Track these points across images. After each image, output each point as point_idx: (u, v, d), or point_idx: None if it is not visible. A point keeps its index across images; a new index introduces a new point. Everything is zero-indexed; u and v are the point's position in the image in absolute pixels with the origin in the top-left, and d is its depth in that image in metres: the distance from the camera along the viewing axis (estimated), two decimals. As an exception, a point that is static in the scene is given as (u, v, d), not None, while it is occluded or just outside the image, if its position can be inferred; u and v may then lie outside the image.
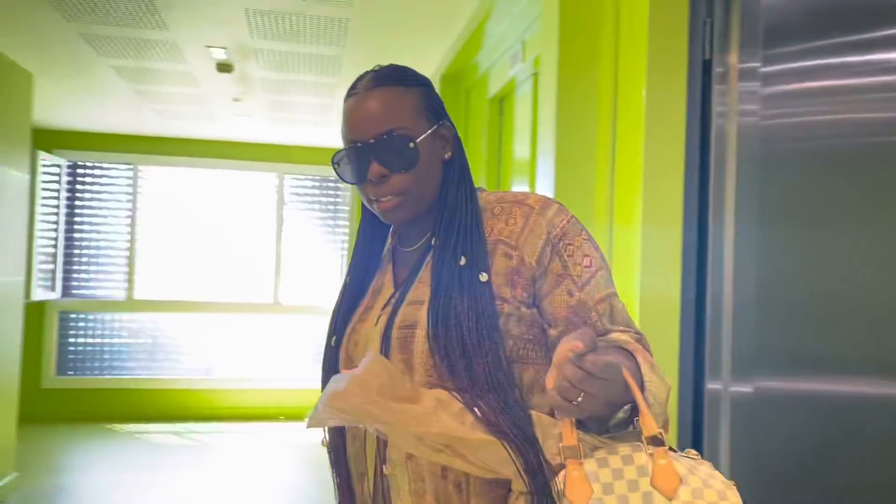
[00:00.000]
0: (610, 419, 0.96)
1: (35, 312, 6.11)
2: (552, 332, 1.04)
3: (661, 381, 0.97)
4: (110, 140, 6.38)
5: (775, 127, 1.51)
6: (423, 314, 1.03)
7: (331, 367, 1.15)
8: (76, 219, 6.47)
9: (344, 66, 4.02)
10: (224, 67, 4.03)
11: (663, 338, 1.62)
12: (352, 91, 1.10)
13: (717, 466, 1.58)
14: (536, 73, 2.50)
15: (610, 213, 1.76)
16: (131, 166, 6.53)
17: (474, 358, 0.98)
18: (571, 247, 1.05)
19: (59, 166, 6.24)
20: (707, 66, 1.65)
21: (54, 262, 6.21)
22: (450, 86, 3.77)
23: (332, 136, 6.23)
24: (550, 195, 1.89)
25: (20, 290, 4.43)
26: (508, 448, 0.91)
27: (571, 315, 1.03)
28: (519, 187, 2.91)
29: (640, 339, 1.04)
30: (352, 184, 1.11)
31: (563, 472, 0.90)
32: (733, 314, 1.56)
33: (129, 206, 6.55)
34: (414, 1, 3.01)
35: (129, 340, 6.62)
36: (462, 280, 1.01)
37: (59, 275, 6.29)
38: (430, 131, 1.08)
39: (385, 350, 1.04)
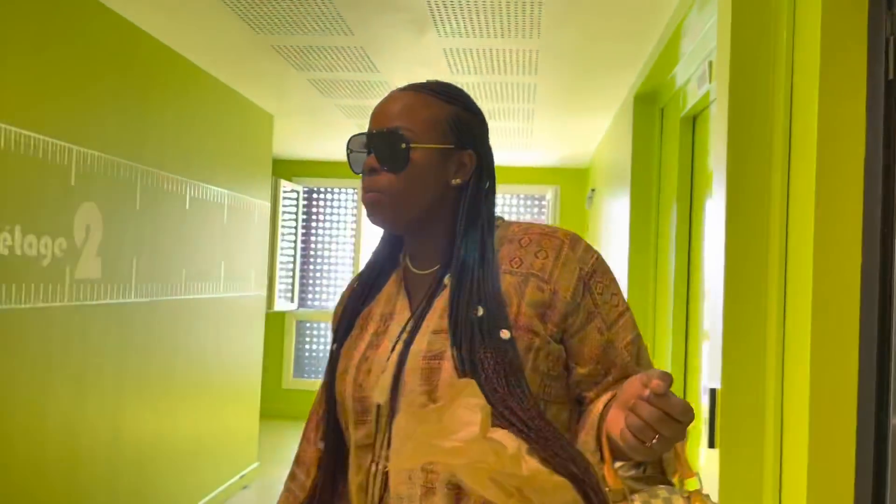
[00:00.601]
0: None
1: (277, 321, 6.97)
2: (579, 370, 1.02)
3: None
4: (337, 168, 7.11)
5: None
6: (448, 345, 0.99)
7: (332, 371, 1.12)
8: (311, 238, 7.30)
9: (539, 93, 4.18)
10: (430, 100, 4.36)
11: (839, 365, 1.53)
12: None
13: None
14: (721, 94, 2.47)
15: (783, 238, 1.72)
16: (355, 191, 7.23)
17: (513, 409, 0.94)
18: (601, 284, 1.03)
19: (297, 192, 7.07)
20: (890, 86, 1.58)
21: (292, 276, 7.04)
22: (643, 105, 3.76)
23: (531, 157, 6.41)
24: (722, 220, 1.88)
25: (262, 302, 5.10)
26: (579, 491, 0.87)
27: (601, 354, 1.02)
28: (708, 203, 2.87)
29: None
30: (357, 173, 1.10)
31: None
32: (923, 343, 1.46)
33: (354, 226, 7.26)
34: (599, 27, 3.09)
35: (353, 348, 7.30)
36: (482, 333, 0.97)
37: (297, 288, 7.11)
38: (436, 145, 1.05)
39: (401, 379, 1.00)
